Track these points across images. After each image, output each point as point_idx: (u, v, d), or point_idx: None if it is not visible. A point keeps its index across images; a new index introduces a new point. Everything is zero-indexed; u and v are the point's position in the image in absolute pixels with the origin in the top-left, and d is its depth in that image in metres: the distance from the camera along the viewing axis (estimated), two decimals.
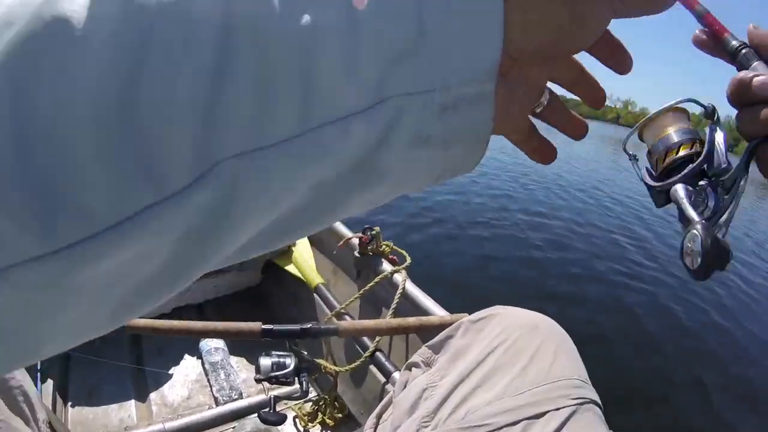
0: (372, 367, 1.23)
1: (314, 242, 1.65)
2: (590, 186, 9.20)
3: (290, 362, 1.00)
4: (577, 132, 0.33)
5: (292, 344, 1.04)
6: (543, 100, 0.30)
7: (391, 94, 0.19)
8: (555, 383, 0.57)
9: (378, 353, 1.18)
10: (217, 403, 1.36)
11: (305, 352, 1.24)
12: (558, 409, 0.54)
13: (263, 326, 0.98)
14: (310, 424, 1.31)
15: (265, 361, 1.00)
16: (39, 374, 1.23)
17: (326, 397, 1.33)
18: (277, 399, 1.34)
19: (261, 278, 1.82)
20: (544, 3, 0.23)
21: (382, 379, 1.19)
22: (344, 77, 0.18)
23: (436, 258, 3.89)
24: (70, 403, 1.36)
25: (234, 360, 1.49)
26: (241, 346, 1.55)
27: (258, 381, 1.00)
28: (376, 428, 0.83)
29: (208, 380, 1.41)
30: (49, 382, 1.34)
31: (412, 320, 1.06)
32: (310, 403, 1.34)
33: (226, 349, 1.45)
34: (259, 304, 1.80)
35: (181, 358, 1.53)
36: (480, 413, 0.57)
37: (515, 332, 0.62)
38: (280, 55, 0.17)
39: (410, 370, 0.75)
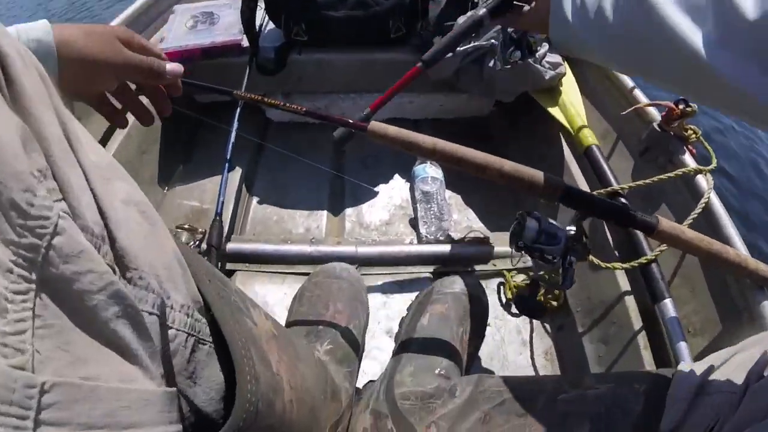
0: (624, 275, 0.95)
1: (585, 92, 1.25)
2: None
3: (562, 236, 0.69)
4: (142, 119, 0.63)
5: (579, 217, 0.71)
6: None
7: None
8: None
9: (654, 266, 0.86)
10: (420, 240, 1.15)
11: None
12: None
13: (566, 185, 0.64)
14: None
15: (533, 224, 0.69)
16: (227, 164, 1.09)
17: (546, 276, 1.05)
18: (482, 258, 1.11)
19: (491, 111, 1.49)
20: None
21: (626, 288, 0.93)
22: None
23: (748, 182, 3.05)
24: (256, 198, 1.26)
25: (448, 194, 1.24)
26: (459, 180, 1.29)
27: (518, 249, 0.70)
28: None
29: (415, 210, 1.20)
30: (238, 171, 1.23)
31: (733, 253, 0.73)
32: (524, 276, 1.07)
33: (443, 180, 1.19)
34: (486, 139, 1.48)
35: (389, 177, 1.32)
36: None
37: None
38: None
39: None
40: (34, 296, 0.23)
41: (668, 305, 0.83)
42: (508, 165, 0.62)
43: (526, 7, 0.69)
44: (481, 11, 0.83)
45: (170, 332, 0.34)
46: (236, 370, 0.37)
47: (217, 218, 1.01)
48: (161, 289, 0.33)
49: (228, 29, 1.30)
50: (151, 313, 0.31)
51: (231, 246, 1.08)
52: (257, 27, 1.29)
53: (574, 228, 0.71)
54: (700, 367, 0.54)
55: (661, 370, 0.59)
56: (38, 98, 0.28)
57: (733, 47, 0.40)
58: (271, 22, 1.35)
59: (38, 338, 0.22)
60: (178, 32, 1.28)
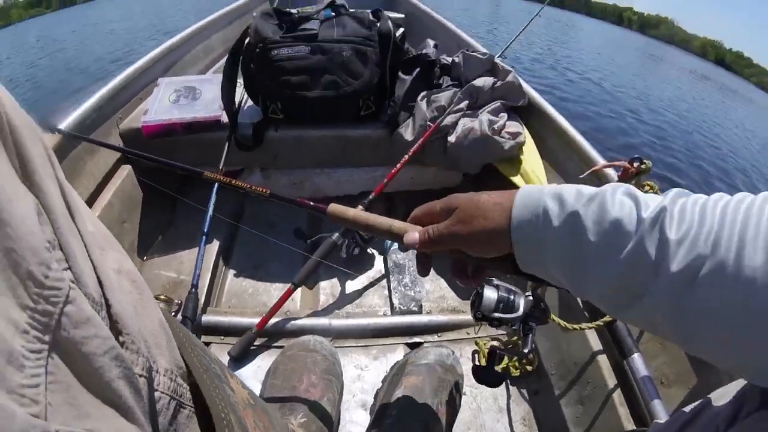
0: (594, 333, 0.97)
1: (546, 156, 1.32)
2: None
3: (520, 304, 0.72)
4: None
5: (534, 286, 0.73)
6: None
7: None
8: None
9: (618, 322, 0.89)
10: (393, 311, 1.17)
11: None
12: None
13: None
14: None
15: (491, 294, 0.71)
16: (204, 237, 1.13)
17: (520, 343, 1.07)
18: (462, 325, 1.14)
19: (461, 181, 1.55)
20: None
21: (598, 347, 0.95)
22: None
23: None
24: (232, 271, 1.28)
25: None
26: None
27: (477, 319, 0.71)
28: None
29: (388, 282, 1.22)
30: (215, 244, 1.26)
31: None
32: (497, 343, 1.10)
33: (415, 251, 1.22)
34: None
35: (363, 250, 1.34)
36: None
37: None
38: None
39: None
40: (47, 355, 0.25)
41: (637, 360, 0.84)
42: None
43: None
44: (334, 236, 1.17)
45: (156, 394, 0.36)
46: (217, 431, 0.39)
47: (193, 290, 1.02)
48: (149, 354, 0.35)
49: (209, 105, 1.35)
50: (141, 376, 0.33)
51: (206, 318, 1.08)
52: (236, 104, 1.35)
53: (531, 294, 0.74)
54: (672, 425, 0.54)
55: (639, 430, 0.60)
56: (44, 170, 0.31)
57: None
58: (249, 100, 1.41)
59: (50, 392, 0.25)
60: (161, 105, 1.33)
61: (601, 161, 1.13)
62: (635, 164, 1.00)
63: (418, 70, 1.35)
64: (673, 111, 8.17)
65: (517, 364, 1.07)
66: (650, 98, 8.56)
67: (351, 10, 1.40)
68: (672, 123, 7.12)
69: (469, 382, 1.03)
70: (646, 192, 0.97)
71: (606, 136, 4.94)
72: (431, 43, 1.49)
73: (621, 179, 1.03)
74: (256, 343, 1.08)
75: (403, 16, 3.04)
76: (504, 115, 1.28)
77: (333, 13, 1.39)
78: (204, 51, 2.12)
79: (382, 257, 1.30)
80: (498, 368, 1.07)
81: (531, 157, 1.27)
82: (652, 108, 7.67)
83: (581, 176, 1.12)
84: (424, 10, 2.86)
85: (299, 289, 1.22)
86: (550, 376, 1.04)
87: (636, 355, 0.85)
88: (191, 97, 1.38)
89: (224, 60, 2.25)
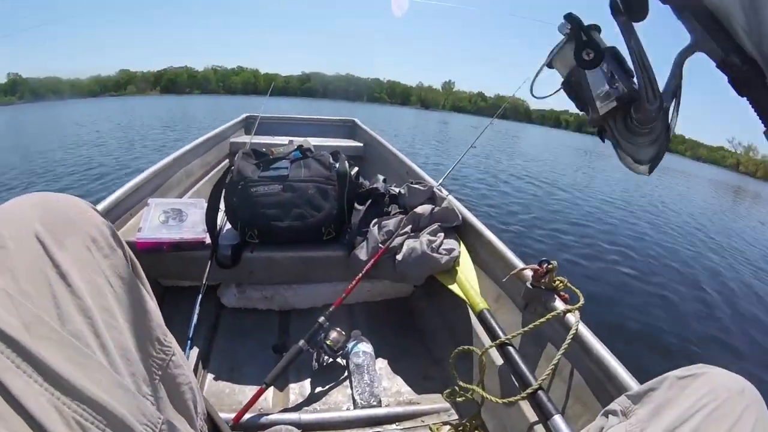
0: (525, 403, 1.13)
1: (478, 264, 1.58)
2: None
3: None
4: None
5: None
6: None
7: None
8: None
9: (540, 392, 1.06)
10: (356, 406, 1.35)
11: (455, 373, 1.22)
12: None
13: None
14: None
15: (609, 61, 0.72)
16: (189, 341, 1.32)
17: (467, 423, 1.26)
18: (418, 414, 1.33)
19: (412, 290, 1.81)
20: None
21: (534, 418, 1.10)
22: None
23: (611, 306, 3.66)
24: (211, 375, 1.43)
25: (378, 365, 1.48)
26: (387, 352, 1.55)
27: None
28: None
29: (350, 381, 1.41)
30: (195, 350, 1.42)
31: None
32: (449, 426, 1.28)
33: (373, 354, 1.44)
34: (409, 315, 1.79)
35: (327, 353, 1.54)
36: None
37: (722, 395, 0.61)
38: None
39: (607, 417, 0.72)
40: (158, 381, 0.51)
41: (557, 420, 0.98)
42: None
43: None
44: (300, 342, 1.36)
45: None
46: None
47: None
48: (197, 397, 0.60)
49: (194, 227, 1.58)
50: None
51: None
52: (218, 228, 1.60)
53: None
54: None
55: None
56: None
57: None
58: (228, 224, 1.66)
59: (156, 400, 0.50)
60: (152, 224, 1.55)
61: (520, 265, 1.37)
62: (544, 265, 1.24)
63: (370, 201, 1.66)
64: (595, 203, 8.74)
65: None
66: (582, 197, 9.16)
67: (315, 153, 1.73)
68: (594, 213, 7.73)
69: None
70: (557, 287, 1.23)
71: (530, 239, 5.44)
72: (381, 178, 1.82)
73: (534, 279, 1.27)
74: None
75: (362, 145, 3.46)
76: (441, 235, 1.57)
77: (300, 155, 1.70)
78: (186, 174, 2.42)
79: (344, 360, 1.49)
80: None
81: (465, 267, 1.53)
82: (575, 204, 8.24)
83: (504, 279, 1.38)
84: (379, 140, 3.28)
85: (271, 389, 1.38)
86: None
87: (556, 417, 0.99)
88: (178, 218, 1.60)
89: (203, 182, 2.57)
